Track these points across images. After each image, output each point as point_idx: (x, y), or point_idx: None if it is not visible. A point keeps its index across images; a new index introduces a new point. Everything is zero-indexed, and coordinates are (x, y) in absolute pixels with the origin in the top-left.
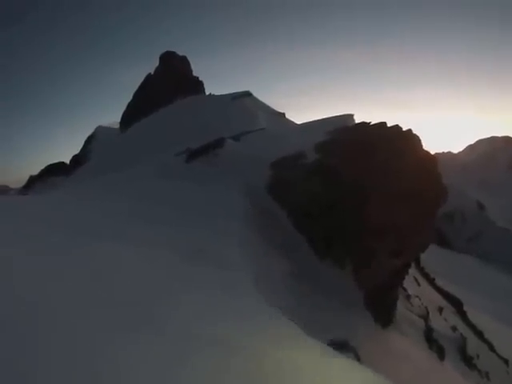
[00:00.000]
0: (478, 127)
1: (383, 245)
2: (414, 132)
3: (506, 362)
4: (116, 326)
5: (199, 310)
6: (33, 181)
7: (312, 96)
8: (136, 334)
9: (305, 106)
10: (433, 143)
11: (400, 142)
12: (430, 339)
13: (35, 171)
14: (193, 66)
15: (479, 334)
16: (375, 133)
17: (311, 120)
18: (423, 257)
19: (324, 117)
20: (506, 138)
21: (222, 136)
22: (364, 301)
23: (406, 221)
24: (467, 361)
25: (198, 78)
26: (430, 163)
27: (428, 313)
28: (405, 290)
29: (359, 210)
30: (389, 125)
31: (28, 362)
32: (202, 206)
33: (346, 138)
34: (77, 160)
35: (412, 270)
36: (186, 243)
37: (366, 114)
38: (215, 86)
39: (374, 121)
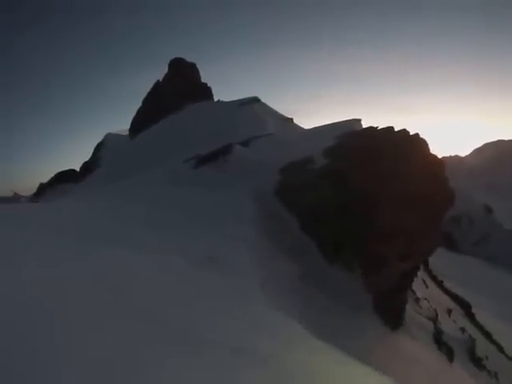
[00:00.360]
0: (484, 131)
1: (391, 249)
2: (421, 136)
3: None
4: (133, 336)
5: (212, 317)
6: (43, 188)
7: (320, 102)
8: (156, 344)
9: (314, 112)
10: (440, 147)
11: (407, 146)
12: (440, 341)
13: (45, 179)
14: (201, 73)
15: (487, 336)
16: (382, 137)
17: (319, 125)
18: (431, 259)
19: (332, 122)
20: None
21: (230, 142)
22: (373, 304)
23: (414, 225)
24: (476, 362)
25: (206, 84)
26: (438, 167)
27: (437, 315)
28: (414, 292)
29: (367, 214)
30: (396, 129)
31: (48, 372)
32: (211, 211)
33: (354, 142)
34: (87, 167)
35: (420, 273)
36: (196, 249)
37: (373, 118)
38: (224, 92)
39: (381, 125)
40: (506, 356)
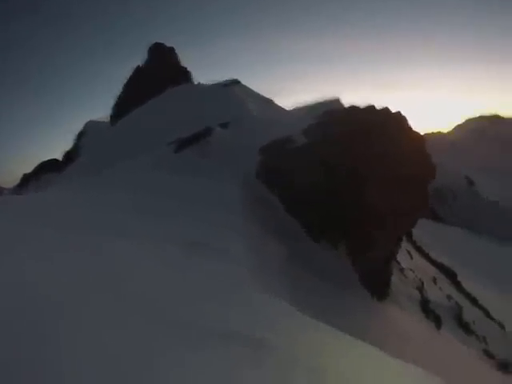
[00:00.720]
0: (466, 106)
1: (377, 226)
2: (403, 113)
3: (502, 326)
4: (137, 330)
5: (208, 305)
6: (26, 179)
7: (306, 80)
8: (161, 333)
9: (300, 90)
10: (422, 123)
11: (391, 125)
12: (427, 309)
13: (28, 169)
14: (185, 56)
15: (474, 302)
16: (366, 117)
17: (300, 105)
18: (415, 231)
19: (313, 100)
20: (494, 117)
21: (210, 124)
22: (359, 280)
23: (403, 205)
24: (464, 327)
25: (186, 68)
26: (420, 144)
27: (423, 284)
28: (398, 263)
29: (355, 196)
30: (377, 107)
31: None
32: (197, 196)
33: (335, 122)
34: (69, 156)
35: (404, 244)
36: (185, 236)
37: (357, 95)
38: (208, 75)
39: (363, 102)
40: (493, 320)
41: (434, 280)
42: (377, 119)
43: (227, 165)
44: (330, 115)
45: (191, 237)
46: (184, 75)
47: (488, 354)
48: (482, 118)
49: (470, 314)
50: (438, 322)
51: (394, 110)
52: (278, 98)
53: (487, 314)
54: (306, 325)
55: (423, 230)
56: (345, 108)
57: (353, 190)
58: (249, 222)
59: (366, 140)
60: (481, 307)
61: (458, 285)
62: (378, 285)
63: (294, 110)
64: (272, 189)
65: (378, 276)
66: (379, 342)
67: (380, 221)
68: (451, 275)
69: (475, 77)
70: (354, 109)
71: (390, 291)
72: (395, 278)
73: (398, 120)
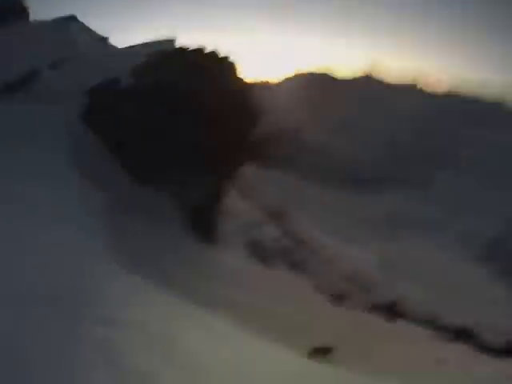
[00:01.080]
0: (297, 60)
1: (199, 165)
2: (231, 58)
3: (331, 261)
4: None
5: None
6: None
7: (144, 16)
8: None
9: (141, 28)
10: (253, 71)
11: (215, 67)
12: (256, 250)
13: None
14: None
15: (302, 241)
16: (190, 58)
17: (133, 44)
18: (245, 175)
19: (148, 40)
20: (323, 75)
21: (39, 65)
22: (187, 221)
23: (220, 142)
24: (295, 265)
25: (22, 3)
26: (245, 90)
27: (251, 225)
28: (227, 206)
29: (176, 133)
30: (208, 50)
31: None
32: (22, 138)
33: (162, 62)
34: None
35: (233, 187)
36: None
37: (194, 37)
38: (48, 11)
39: (200, 45)
40: (323, 257)
41: (264, 221)
42: (200, 60)
43: (51, 108)
44: (158, 55)
45: (9, 187)
46: (20, 12)
47: (320, 289)
48: (311, 74)
49: (299, 252)
50: (267, 261)
51: (224, 55)
52: (121, 36)
53: (317, 252)
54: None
55: (252, 174)
56: (175, 49)
57: (175, 129)
58: (72, 169)
59: (188, 81)
60: (310, 246)
61: (286, 225)
62: (206, 227)
63: (127, 48)
64: (97, 132)
65: (205, 218)
66: (211, 283)
67: (203, 160)
68: (279, 216)
69: (310, 33)
70: (182, 50)
71: (219, 233)
72: (223, 220)
73: (224, 63)
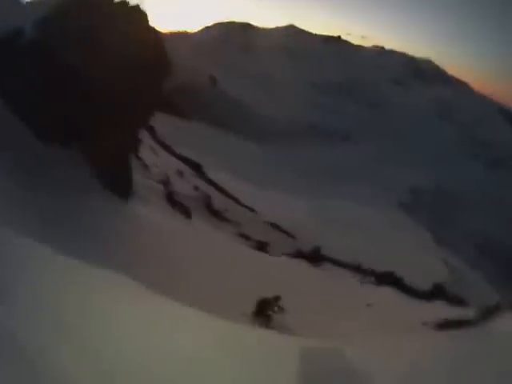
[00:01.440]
0: (217, 10)
1: (108, 120)
2: (142, 8)
3: (253, 210)
4: None
5: None
6: None
7: None
8: None
9: None
10: (168, 21)
11: (125, 17)
12: (174, 202)
13: None
14: None
15: (222, 191)
16: (98, 8)
17: None
18: (159, 127)
19: None
20: (244, 24)
21: None
22: (99, 180)
23: (130, 93)
24: (216, 215)
25: None
26: (155, 39)
27: (168, 178)
28: (142, 160)
29: (83, 88)
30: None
31: None
32: None
33: (68, 14)
34: None
35: (147, 140)
36: None
37: None
38: None
39: None
40: (245, 206)
41: (180, 173)
42: (108, 9)
43: None
44: (66, 6)
45: None
46: None
47: (244, 237)
48: (232, 23)
49: (220, 202)
50: (187, 213)
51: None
52: None
53: (237, 202)
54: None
55: (168, 126)
56: None
57: (78, 81)
58: None
59: (94, 31)
60: (230, 195)
61: (204, 176)
62: (119, 183)
63: (32, 1)
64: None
65: (118, 173)
66: (128, 241)
67: (113, 113)
68: (197, 167)
69: None
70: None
71: (134, 188)
72: (138, 175)
73: (134, 13)
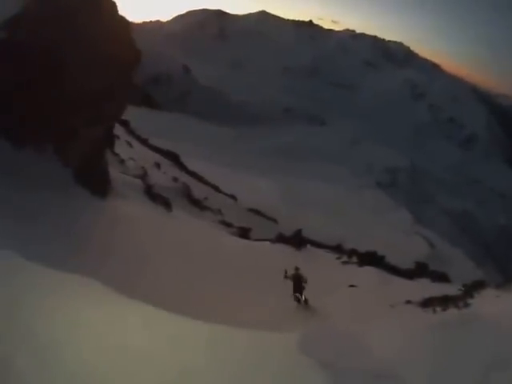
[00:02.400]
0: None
1: (80, 116)
2: None
3: (234, 197)
4: None
5: None
6: None
7: None
8: None
9: None
10: (140, 11)
11: (93, 7)
12: (153, 195)
13: None
14: None
15: (201, 179)
16: (67, 1)
17: None
18: (134, 121)
19: None
20: (217, 11)
21: None
22: (74, 179)
23: (101, 87)
24: (196, 204)
25: None
26: (124, 28)
27: (146, 171)
28: (118, 155)
29: (53, 85)
30: None
31: None
32: None
33: (34, 9)
34: None
35: (122, 135)
36: None
37: None
38: None
39: None
40: (224, 193)
41: (158, 165)
42: (74, 1)
43: None
44: (32, 3)
45: None
46: None
47: (225, 224)
48: (204, 11)
49: (199, 191)
50: (166, 204)
51: None
52: None
53: (217, 189)
54: None
55: (142, 119)
56: None
57: (45, 77)
58: None
59: (64, 23)
60: (209, 184)
61: (182, 166)
62: (96, 181)
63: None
64: None
65: (93, 171)
66: (109, 240)
67: (85, 108)
68: (174, 157)
69: None
70: None
71: (111, 185)
72: (115, 171)
73: (101, 3)
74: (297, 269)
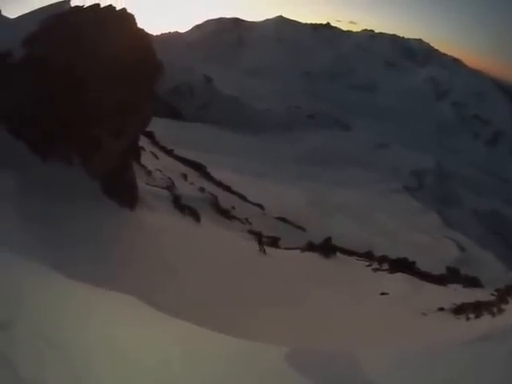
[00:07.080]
0: (207, 8)
1: (105, 128)
2: (128, 11)
3: (261, 206)
4: None
5: None
6: None
7: None
8: None
9: None
10: (158, 24)
11: (112, 22)
12: (181, 206)
13: None
14: None
15: (228, 189)
16: (86, 16)
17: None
18: (159, 131)
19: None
20: (234, 19)
21: None
22: (102, 190)
23: (125, 100)
24: (224, 214)
25: None
26: (145, 41)
27: (173, 182)
28: (144, 166)
29: (77, 98)
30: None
31: None
32: None
33: (56, 25)
34: None
35: (147, 146)
36: None
37: None
38: None
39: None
40: (251, 202)
41: (184, 176)
42: (95, 16)
43: None
44: (51, 19)
45: None
46: None
47: (254, 233)
48: (221, 19)
49: (226, 201)
50: (195, 215)
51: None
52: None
53: (243, 198)
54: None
55: (166, 129)
56: (69, 10)
57: (69, 91)
58: None
59: (82, 38)
60: (235, 193)
61: (208, 176)
62: (124, 192)
63: (18, 18)
64: None
65: (121, 182)
66: (136, 251)
67: (110, 121)
68: (200, 168)
69: None
70: (76, 9)
71: (139, 196)
72: (142, 183)
73: (120, 17)
74: None
